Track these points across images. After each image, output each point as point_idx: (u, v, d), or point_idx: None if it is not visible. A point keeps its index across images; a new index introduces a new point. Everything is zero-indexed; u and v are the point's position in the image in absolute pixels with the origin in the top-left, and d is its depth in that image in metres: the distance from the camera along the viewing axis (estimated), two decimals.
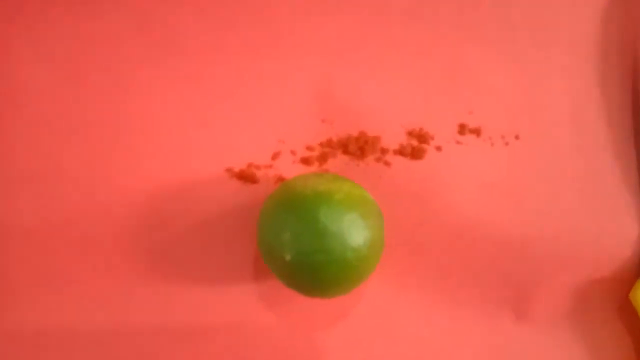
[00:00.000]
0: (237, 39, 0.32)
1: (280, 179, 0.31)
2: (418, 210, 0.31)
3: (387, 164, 0.31)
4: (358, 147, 0.31)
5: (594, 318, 0.31)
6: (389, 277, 0.31)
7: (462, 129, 0.31)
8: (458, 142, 0.31)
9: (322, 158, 0.31)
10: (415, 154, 0.31)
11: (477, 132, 0.31)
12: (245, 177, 0.31)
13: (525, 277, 0.31)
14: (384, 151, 0.31)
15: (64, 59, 0.31)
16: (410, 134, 0.31)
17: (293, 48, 0.32)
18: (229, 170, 0.31)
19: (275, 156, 0.31)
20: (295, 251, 0.26)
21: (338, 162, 0.31)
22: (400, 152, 0.31)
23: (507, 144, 0.31)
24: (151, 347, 0.30)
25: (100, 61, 0.31)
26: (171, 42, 0.31)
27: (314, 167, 0.31)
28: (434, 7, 0.32)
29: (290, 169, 0.31)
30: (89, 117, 0.31)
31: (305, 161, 0.31)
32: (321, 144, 0.31)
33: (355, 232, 0.26)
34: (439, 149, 0.31)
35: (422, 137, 0.31)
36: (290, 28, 0.32)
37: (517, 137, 0.31)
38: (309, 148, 0.31)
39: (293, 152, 0.31)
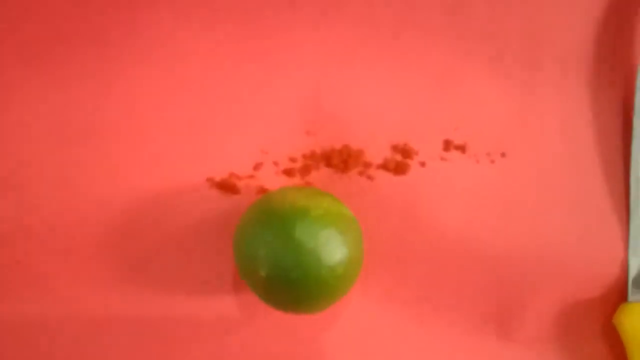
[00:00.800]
0: (224, 47, 0.31)
1: (262, 190, 0.31)
2: (401, 226, 0.31)
3: (370, 178, 0.31)
4: (341, 160, 0.31)
5: (577, 339, 0.31)
6: (370, 292, 0.30)
7: (447, 145, 0.31)
8: (443, 159, 0.31)
9: (305, 170, 0.31)
10: (399, 169, 0.31)
11: (462, 148, 0.31)
12: (226, 187, 0.30)
13: (510, 296, 0.30)
14: (367, 165, 0.31)
15: (45, 64, 0.31)
16: (394, 148, 0.31)
17: (280, 58, 0.31)
18: (209, 179, 0.30)
19: (257, 167, 0.31)
20: (270, 267, 0.25)
21: (321, 174, 0.31)
22: (384, 166, 0.31)
23: (492, 161, 0.31)
24: (126, 356, 0.30)
25: (81, 67, 0.31)
26: (154, 48, 0.31)
27: (297, 179, 0.31)
28: (423, 20, 0.31)
29: (273, 180, 0.31)
30: (69, 122, 0.30)
31: (288, 173, 0.31)
32: (304, 156, 0.31)
33: (331, 249, 0.25)
34: (423, 164, 0.31)
35: (406, 152, 0.31)
36: (278, 38, 0.31)
37: (503, 155, 0.31)
38: (292, 159, 0.31)
39: (276, 163, 0.31)
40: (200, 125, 0.31)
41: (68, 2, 0.31)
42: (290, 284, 0.25)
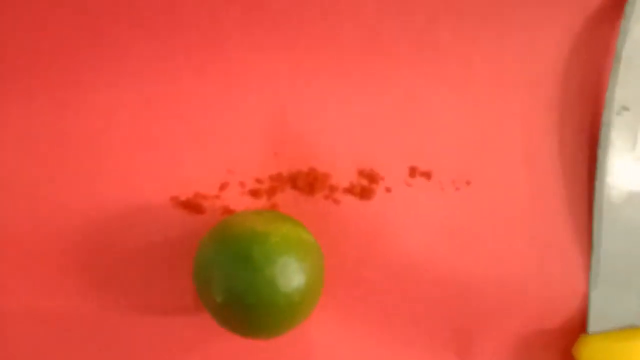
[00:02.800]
0: (193, 67, 0.31)
1: (228, 210, 0.30)
2: (365, 250, 0.31)
3: (335, 202, 0.31)
4: (307, 183, 0.31)
5: None
6: (332, 316, 0.30)
7: (413, 171, 0.31)
8: (408, 185, 0.31)
9: (271, 192, 0.31)
10: (365, 193, 0.31)
11: (427, 175, 0.31)
12: (191, 206, 0.30)
13: (471, 323, 0.31)
14: (333, 189, 0.31)
15: (13, 75, 0.30)
16: (360, 173, 0.31)
17: (249, 79, 0.31)
18: (174, 198, 0.30)
19: (223, 187, 0.31)
20: (225, 292, 0.25)
21: (287, 196, 0.31)
22: (350, 191, 0.31)
23: (457, 189, 0.31)
24: None
25: (50, 79, 0.30)
26: (122, 64, 0.31)
27: (263, 200, 0.31)
28: (392, 46, 0.31)
29: (238, 201, 0.31)
30: (35, 134, 0.30)
31: (254, 194, 0.31)
32: (271, 177, 0.31)
33: (288, 276, 0.25)
34: (388, 190, 0.31)
35: (372, 177, 0.31)
36: (247, 59, 0.31)
37: (468, 183, 0.31)
38: (258, 181, 0.31)
39: (242, 184, 0.31)
40: (166, 143, 0.30)
41: (36, 19, 0.31)
42: (245, 311, 0.25)
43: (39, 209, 0.30)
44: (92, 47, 0.31)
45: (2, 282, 0.30)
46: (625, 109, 0.30)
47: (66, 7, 0.31)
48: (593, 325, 0.30)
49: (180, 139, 0.31)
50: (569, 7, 0.32)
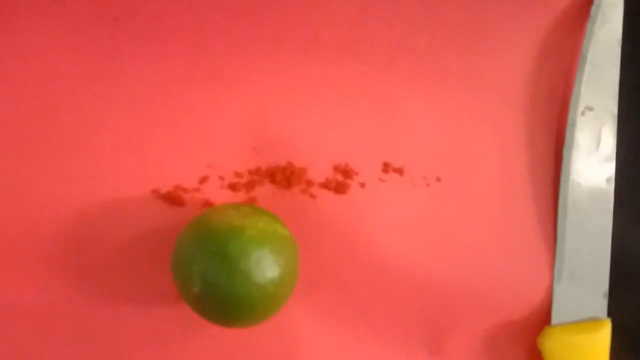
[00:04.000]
0: (175, 63, 0.32)
1: (207, 204, 0.31)
2: (339, 244, 0.32)
3: (312, 196, 0.32)
4: (285, 177, 0.32)
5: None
6: (308, 307, 0.31)
7: (386, 167, 0.32)
8: (381, 180, 0.32)
9: (250, 185, 0.32)
10: (340, 188, 0.32)
11: (400, 171, 0.32)
12: (172, 199, 0.31)
13: (441, 316, 0.32)
14: (309, 183, 0.32)
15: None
16: (336, 168, 0.32)
17: (230, 77, 0.32)
18: (155, 191, 0.31)
19: (203, 180, 0.32)
20: (202, 284, 0.26)
21: (265, 190, 0.32)
22: (325, 185, 0.32)
23: (428, 185, 0.32)
24: None
25: (32, 78, 0.31)
26: (104, 62, 0.31)
27: (241, 194, 0.32)
28: (368, 45, 0.32)
29: (218, 194, 0.32)
30: (17, 131, 0.31)
31: (233, 187, 0.32)
32: (249, 172, 0.32)
33: (263, 269, 0.26)
34: (362, 185, 0.32)
35: (346, 173, 0.32)
36: (227, 58, 0.32)
37: (438, 179, 0.32)
38: (238, 174, 0.32)
39: (221, 178, 0.32)
40: (148, 138, 0.31)
41: (27, 19, 0.31)
42: (221, 302, 0.26)
43: (20, 202, 0.31)
44: (75, 45, 0.31)
45: None
46: (590, 109, 0.31)
47: (54, 9, 0.31)
48: (556, 317, 0.31)
49: (162, 134, 0.31)
50: (537, 12, 0.33)
